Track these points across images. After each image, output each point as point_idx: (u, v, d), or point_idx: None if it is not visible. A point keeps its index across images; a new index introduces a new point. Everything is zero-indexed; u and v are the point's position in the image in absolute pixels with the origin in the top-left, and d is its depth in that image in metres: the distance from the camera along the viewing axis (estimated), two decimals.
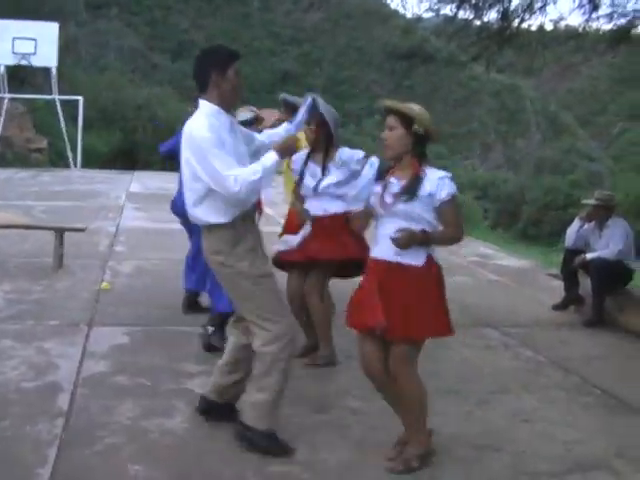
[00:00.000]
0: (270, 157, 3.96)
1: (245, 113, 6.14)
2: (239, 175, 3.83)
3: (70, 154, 25.11)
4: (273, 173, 4.01)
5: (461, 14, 9.16)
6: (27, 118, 26.77)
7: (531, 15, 9.07)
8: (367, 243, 4.84)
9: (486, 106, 64.01)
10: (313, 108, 4.69)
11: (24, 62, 23.70)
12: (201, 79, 4.04)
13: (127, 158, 28.62)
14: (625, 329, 7.25)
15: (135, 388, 4.93)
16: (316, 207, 5.47)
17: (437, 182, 3.79)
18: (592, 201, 7.70)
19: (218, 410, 4.36)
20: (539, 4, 8.99)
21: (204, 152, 3.86)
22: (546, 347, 6.52)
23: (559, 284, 8.24)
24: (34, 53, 23.42)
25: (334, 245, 5.35)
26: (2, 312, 6.60)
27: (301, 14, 64.76)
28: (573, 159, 55.55)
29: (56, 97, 25.17)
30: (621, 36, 8.90)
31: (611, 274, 7.38)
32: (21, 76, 26.71)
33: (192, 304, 6.79)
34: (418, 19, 10.98)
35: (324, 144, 5.46)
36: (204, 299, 6.63)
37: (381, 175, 3.88)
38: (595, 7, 8.75)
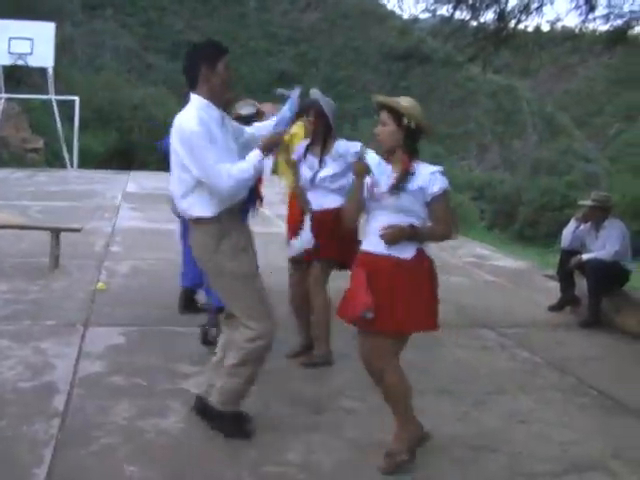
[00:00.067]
0: (255, 155, 4.03)
1: (247, 107, 6.14)
2: (230, 169, 3.91)
3: (66, 154, 25.08)
4: (260, 170, 4.06)
5: (457, 15, 9.17)
6: (23, 118, 26.75)
7: (527, 16, 9.08)
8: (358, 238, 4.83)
9: (483, 107, 64.10)
10: (301, 101, 4.66)
11: (20, 62, 23.66)
12: (191, 74, 4.08)
13: (123, 158, 28.60)
14: (621, 330, 7.26)
15: (131, 388, 4.92)
16: (313, 201, 5.48)
17: (428, 177, 3.79)
18: (588, 202, 7.71)
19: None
20: (535, 5, 9.00)
21: (194, 145, 3.91)
22: (542, 348, 6.53)
23: (555, 285, 8.25)
24: (30, 53, 23.40)
25: (334, 242, 5.33)
26: None
27: (298, 14, 64.86)
28: (569, 160, 55.70)
29: (52, 97, 25.15)
30: (617, 37, 8.90)
31: (607, 275, 7.38)
32: (17, 76, 26.69)
33: (188, 302, 6.79)
34: (415, 20, 11.00)
35: (322, 136, 5.46)
36: (200, 297, 6.63)
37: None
38: (591, 8, 8.76)
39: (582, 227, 7.76)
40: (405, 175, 3.79)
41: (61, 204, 13.99)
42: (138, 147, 29.11)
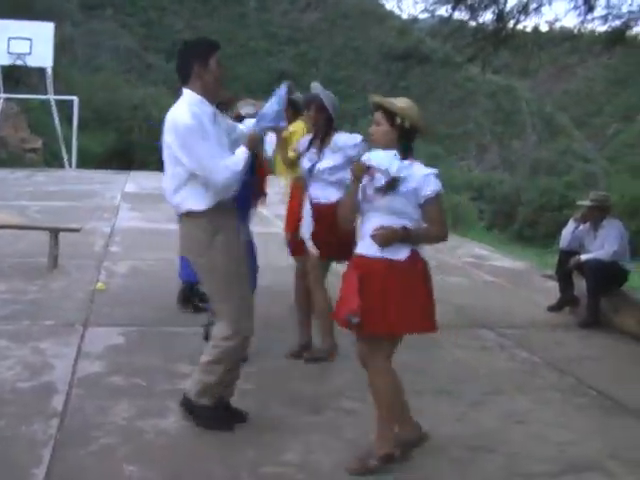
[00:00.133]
0: (242, 151, 4.11)
1: (247, 107, 6.15)
2: (225, 161, 3.98)
3: (65, 154, 25.08)
4: (247, 166, 4.13)
5: (457, 15, 9.18)
6: (22, 118, 26.75)
7: (526, 16, 9.09)
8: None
9: (482, 107, 64.10)
10: (288, 97, 4.65)
11: (19, 62, 23.68)
12: (184, 71, 4.12)
13: (122, 158, 28.60)
14: (620, 330, 7.26)
15: (130, 388, 4.92)
16: (311, 193, 5.50)
17: (422, 178, 3.77)
18: (587, 202, 7.71)
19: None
20: (534, 5, 9.01)
21: (187, 138, 3.95)
22: (541, 348, 6.53)
23: (554, 285, 8.25)
24: (29, 53, 23.41)
25: (330, 238, 5.32)
26: None
27: (298, 14, 64.90)
28: (569, 160, 55.67)
29: (51, 97, 25.16)
30: (616, 37, 8.91)
31: (606, 275, 7.38)
32: (16, 76, 26.68)
33: (187, 296, 6.79)
34: (414, 20, 11.01)
35: (324, 129, 5.47)
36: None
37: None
38: (590, 9, 8.77)
39: (581, 227, 7.77)
40: (397, 177, 3.78)
41: (60, 204, 13.99)
42: (137, 147, 29.10)
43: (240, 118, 5.06)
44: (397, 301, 3.73)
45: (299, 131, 6.09)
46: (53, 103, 25.13)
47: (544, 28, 10.65)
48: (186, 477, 3.76)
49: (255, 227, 5.35)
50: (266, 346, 5.87)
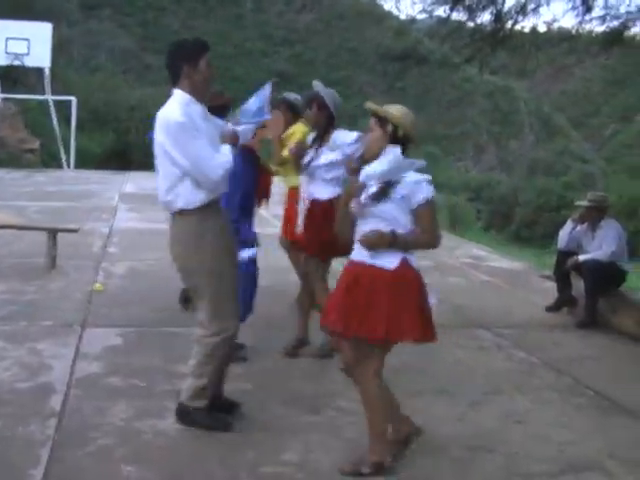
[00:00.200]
0: (226, 148, 4.17)
1: None
2: (219, 158, 4.04)
3: (63, 155, 25.05)
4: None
5: (454, 16, 9.18)
6: (20, 118, 26.68)
7: (524, 17, 9.10)
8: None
9: (479, 107, 64.07)
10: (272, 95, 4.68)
11: (17, 62, 23.64)
12: (173, 71, 4.16)
13: (120, 159, 28.54)
14: (618, 330, 7.26)
15: (128, 389, 4.92)
16: (305, 189, 5.52)
17: (413, 185, 3.75)
18: (584, 203, 7.72)
19: (215, 407, 4.39)
20: (532, 6, 9.01)
21: (180, 135, 3.99)
22: (539, 348, 6.53)
23: (552, 285, 8.25)
24: (27, 53, 23.38)
25: (323, 235, 5.31)
26: None
27: (294, 15, 64.87)
28: (566, 161, 55.69)
29: (49, 97, 25.12)
30: (614, 38, 8.92)
31: (604, 276, 7.39)
32: (14, 76, 26.64)
33: (188, 296, 6.79)
34: (412, 20, 11.01)
35: (325, 126, 5.48)
36: None
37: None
38: (588, 9, 8.77)
39: (579, 228, 7.77)
40: (388, 182, 3.77)
41: (58, 204, 13.98)
42: (135, 148, 29.03)
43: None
44: (383, 309, 3.70)
45: (297, 134, 6.10)
46: (51, 103, 25.09)
47: (542, 29, 10.68)
48: (185, 478, 3.76)
49: (255, 228, 5.33)
50: (266, 346, 5.88)
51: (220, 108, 4.83)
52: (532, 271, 10.58)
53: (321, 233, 5.27)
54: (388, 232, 3.72)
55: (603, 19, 8.86)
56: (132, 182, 18.99)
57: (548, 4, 9.09)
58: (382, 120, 3.83)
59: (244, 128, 4.42)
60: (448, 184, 35.19)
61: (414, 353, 5.21)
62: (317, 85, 5.53)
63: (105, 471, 3.76)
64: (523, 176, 44.08)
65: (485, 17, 9.09)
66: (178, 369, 5.31)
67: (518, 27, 9.30)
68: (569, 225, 7.91)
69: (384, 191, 3.74)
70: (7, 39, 22.98)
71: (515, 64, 15.01)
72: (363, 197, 3.80)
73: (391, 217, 3.76)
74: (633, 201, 21.81)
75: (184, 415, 4.30)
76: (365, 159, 3.90)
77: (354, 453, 3.98)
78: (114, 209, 13.95)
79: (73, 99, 24.85)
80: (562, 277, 7.88)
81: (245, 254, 5.21)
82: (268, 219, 11.35)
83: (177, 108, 4.04)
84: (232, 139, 4.24)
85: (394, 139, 3.81)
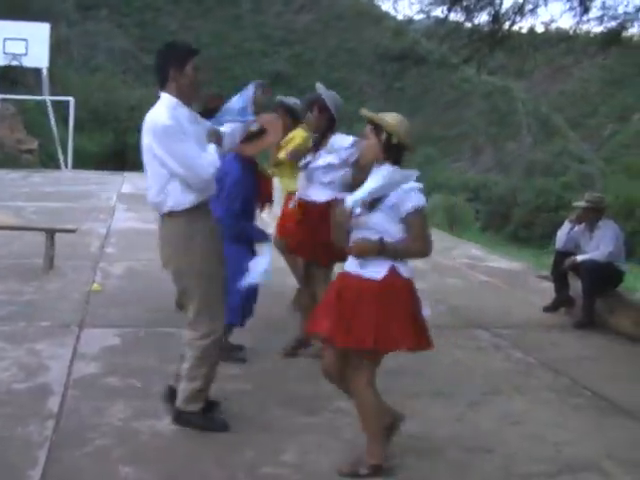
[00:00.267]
0: (212, 147, 4.18)
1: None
2: (208, 158, 4.06)
3: (61, 155, 25.03)
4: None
5: (452, 16, 9.20)
6: (18, 119, 26.70)
7: (522, 17, 9.12)
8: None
9: (477, 108, 64.10)
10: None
11: (15, 62, 23.62)
12: (161, 74, 4.18)
13: (118, 159, 28.57)
14: (615, 331, 7.27)
15: (126, 389, 4.92)
16: (302, 190, 5.54)
17: (403, 193, 3.73)
18: (582, 203, 7.72)
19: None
20: (530, 6, 9.03)
21: (169, 138, 4.01)
22: (537, 349, 6.54)
23: (550, 286, 8.26)
24: (25, 54, 23.35)
25: (317, 238, 5.32)
26: None
27: (292, 15, 64.91)
28: (564, 161, 55.77)
29: (47, 98, 25.11)
30: (612, 38, 8.93)
31: (601, 276, 7.39)
32: (12, 76, 26.65)
33: None
34: (409, 21, 11.03)
35: (326, 129, 5.49)
36: None
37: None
38: (586, 10, 8.79)
39: (576, 228, 7.78)
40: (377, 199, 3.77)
41: (56, 205, 13.96)
42: (134, 148, 29.02)
43: None
44: (372, 319, 3.69)
45: (297, 138, 6.11)
46: (49, 104, 25.08)
47: (540, 29, 10.67)
48: (182, 478, 3.76)
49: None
50: (265, 347, 5.88)
51: (217, 110, 4.83)
52: (530, 271, 10.58)
53: (315, 235, 5.28)
54: (376, 240, 3.72)
55: (601, 19, 8.89)
56: (130, 182, 18.97)
57: (546, 5, 9.13)
58: (377, 128, 3.83)
59: (232, 129, 4.42)
60: (447, 184, 35.23)
61: (411, 355, 5.19)
62: (319, 87, 5.53)
63: (103, 472, 3.75)
64: (521, 177, 44.11)
65: (483, 18, 9.12)
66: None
67: (516, 27, 9.33)
68: (567, 226, 7.92)
69: (373, 205, 3.75)
70: (5, 39, 22.95)
71: (513, 64, 15.04)
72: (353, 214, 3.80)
73: (381, 226, 3.75)
74: (630, 201, 21.84)
75: (180, 419, 4.31)
76: (360, 166, 3.91)
77: (352, 454, 3.99)
78: (112, 209, 13.93)
79: (71, 99, 24.83)
80: (560, 277, 7.89)
81: (261, 266, 5.03)
82: (268, 222, 11.35)
83: (164, 111, 4.06)
84: (216, 138, 4.25)
85: (388, 147, 3.81)
